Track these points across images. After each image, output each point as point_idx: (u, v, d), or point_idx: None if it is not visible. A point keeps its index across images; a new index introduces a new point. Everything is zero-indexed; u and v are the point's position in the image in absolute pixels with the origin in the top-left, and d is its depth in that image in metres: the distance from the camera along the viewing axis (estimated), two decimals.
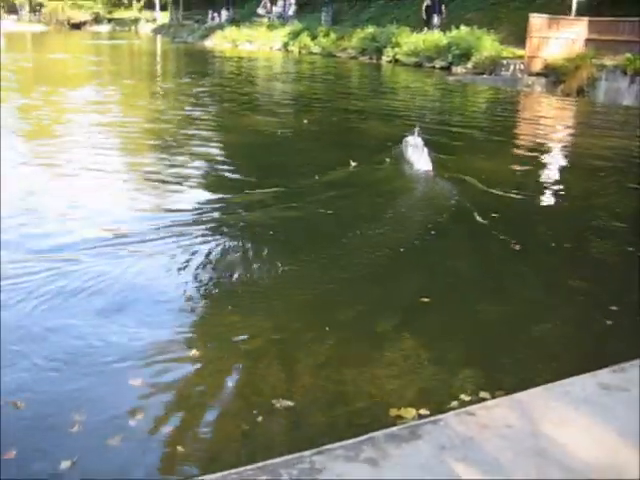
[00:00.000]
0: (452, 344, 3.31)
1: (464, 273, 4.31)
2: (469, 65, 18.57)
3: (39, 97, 12.50)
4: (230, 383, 2.94)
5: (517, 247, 4.69)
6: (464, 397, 2.75)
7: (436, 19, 22.44)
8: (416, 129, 7.65)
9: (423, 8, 22.89)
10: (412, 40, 21.36)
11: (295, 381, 2.95)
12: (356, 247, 4.61)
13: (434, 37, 20.60)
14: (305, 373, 3.01)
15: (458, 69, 18.77)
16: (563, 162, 8.22)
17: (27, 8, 78.87)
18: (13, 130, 8.78)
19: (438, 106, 12.27)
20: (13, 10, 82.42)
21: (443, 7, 22.71)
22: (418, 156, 7.25)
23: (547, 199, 6.27)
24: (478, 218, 5.31)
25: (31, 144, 8.15)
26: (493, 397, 2.67)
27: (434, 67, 19.91)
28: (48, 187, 6.04)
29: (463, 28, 19.72)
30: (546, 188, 6.61)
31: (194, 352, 3.14)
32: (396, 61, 21.78)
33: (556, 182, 6.95)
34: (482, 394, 2.75)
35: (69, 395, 2.79)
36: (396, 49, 21.85)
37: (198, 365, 3.07)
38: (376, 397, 2.83)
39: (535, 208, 5.99)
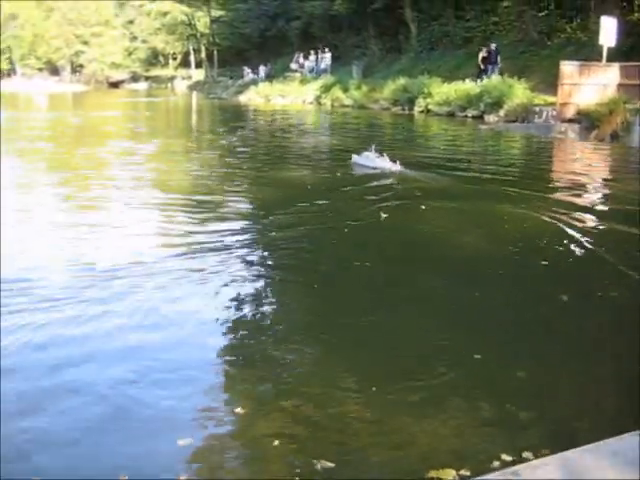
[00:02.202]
0: (492, 402, 3.23)
1: (517, 328, 4.23)
2: (501, 113, 18.66)
3: (78, 154, 12.87)
4: (274, 443, 2.91)
5: (564, 298, 4.59)
6: (505, 457, 2.65)
7: (491, 69, 21.94)
8: (372, 146, 10.50)
9: (479, 59, 22.62)
10: (444, 90, 21.55)
11: (332, 439, 2.91)
12: (389, 301, 4.60)
13: (466, 86, 20.76)
14: (344, 431, 2.96)
15: (490, 118, 18.85)
16: (602, 208, 8.10)
17: (68, 69, 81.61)
18: (55, 185, 9.08)
19: (472, 155, 12.26)
20: (55, 72, 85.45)
21: (499, 58, 22.28)
22: (382, 161, 10.11)
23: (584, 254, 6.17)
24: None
25: (71, 202, 8.31)
26: (537, 456, 2.57)
27: (466, 116, 20.04)
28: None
29: (494, 77, 19.89)
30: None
31: (239, 410, 3.14)
32: (428, 111, 21.97)
33: (595, 231, 6.84)
34: (525, 454, 2.65)
35: (116, 452, 2.82)
36: (428, 99, 22.07)
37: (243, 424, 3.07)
38: (412, 456, 2.76)
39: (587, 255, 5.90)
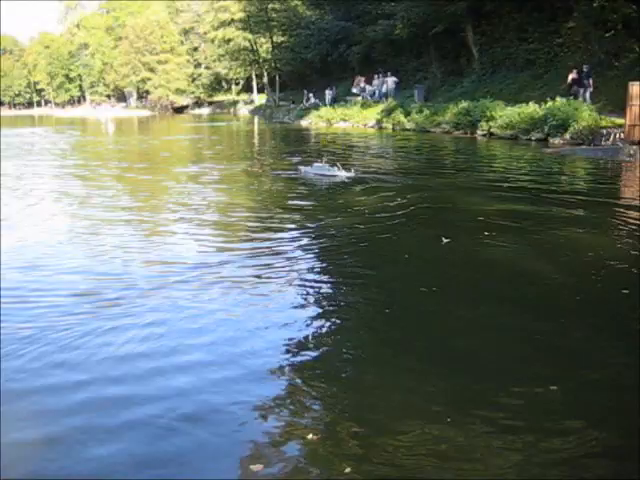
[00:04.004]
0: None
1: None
2: (567, 136, 18.37)
3: (145, 178, 13.25)
4: (346, 470, 2.93)
5: None
6: None
7: (583, 92, 21.08)
8: (324, 158, 12.77)
9: (569, 81, 21.87)
10: (507, 113, 21.32)
11: (405, 467, 2.91)
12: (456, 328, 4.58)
13: (529, 109, 20.50)
14: (419, 463, 2.96)
15: (555, 141, 18.56)
16: None
17: (135, 96, 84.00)
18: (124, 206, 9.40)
19: (537, 178, 12.08)
20: (122, 98, 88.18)
21: (591, 80, 21.24)
22: (336, 170, 12.15)
23: None
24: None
25: (140, 227, 8.57)
26: None
27: (530, 139, 19.76)
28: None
29: (559, 99, 19.60)
30: None
31: (312, 437, 3.17)
32: (491, 134, 21.77)
33: None
34: None
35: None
36: (490, 122, 21.86)
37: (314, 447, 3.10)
38: None
39: None
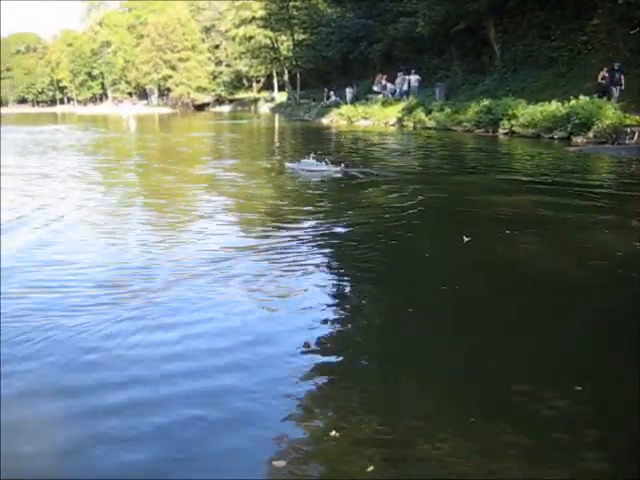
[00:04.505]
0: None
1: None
2: (590, 135, 18.17)
3: (167, 174, 13.34)
4: (369, 468, 2.93)
5: None
6: None
7: (614, 91, 20.65)
8: (311, 154, 12.83)
9: (599, 77, 21.37)
10: (529, 111, 21.17)
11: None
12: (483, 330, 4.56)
13: (552, 107, 20.33)
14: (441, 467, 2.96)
15: (578, 139, 18.38)
16: None
17: (156, 93, 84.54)
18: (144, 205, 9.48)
19: (558, 178, 11.98)
20: (143, 96, 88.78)
21: (622, 78, 20.72)
22: (325, 165, 12.42)
23: None
24: None
25: (162, 221, 8.63)
26: None
27: (552, 138, 19.60)
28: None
29: (582, 97, 19.41)
30: None
31: (333, 434, 3.18)
32: (513, 133, 21.62)
33: None
34: None
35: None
36: (512, 121, 21.71)
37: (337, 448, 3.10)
38: None
39: None
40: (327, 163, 12.57)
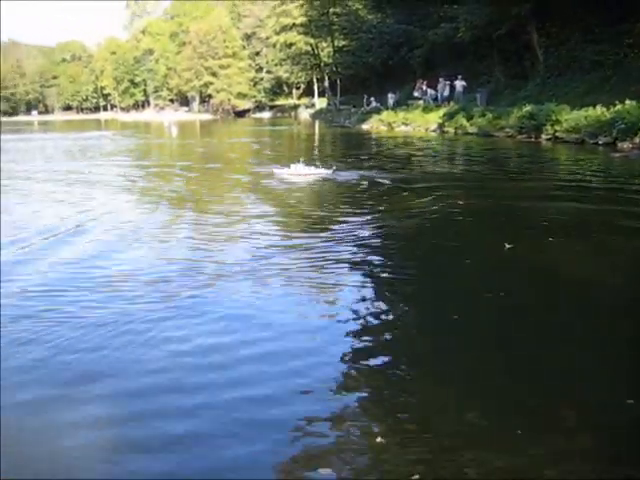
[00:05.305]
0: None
1: None
2: (636, 140, 17.81)
3: (210, 177, 13.51)
4: (414, 476, 2.93)
5: None
6: None
7: None
8: (301, 159, 13.18)
9: None
10: (573, 117, 20.85)
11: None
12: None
13: (596, 112, 20.00)
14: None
15: (624, 145, 18.04)
16: None
17: (197, 100, 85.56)
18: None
19: (603, 185, 11.77)
20: (185, 103, 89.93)
21: None
22: (316, 168, 12.98)
23: None
24: None
25: (204, 222, 8.73)
26: None
27: (597, 144, 19.25)
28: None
29: (628, 102, 19.06)
30: None
31: (379, 440, 3.18)
32: (556, 139, 21.30)
33: None
34: None
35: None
36: (555, 126, 21.41)
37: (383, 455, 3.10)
38: None
39: None
40: (317, 167, 13.15)
